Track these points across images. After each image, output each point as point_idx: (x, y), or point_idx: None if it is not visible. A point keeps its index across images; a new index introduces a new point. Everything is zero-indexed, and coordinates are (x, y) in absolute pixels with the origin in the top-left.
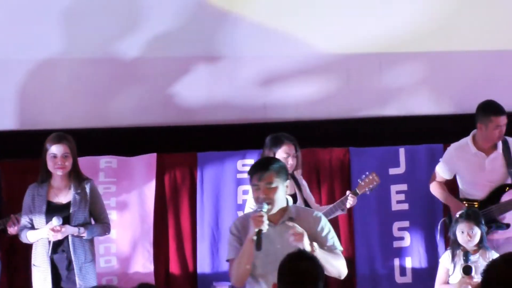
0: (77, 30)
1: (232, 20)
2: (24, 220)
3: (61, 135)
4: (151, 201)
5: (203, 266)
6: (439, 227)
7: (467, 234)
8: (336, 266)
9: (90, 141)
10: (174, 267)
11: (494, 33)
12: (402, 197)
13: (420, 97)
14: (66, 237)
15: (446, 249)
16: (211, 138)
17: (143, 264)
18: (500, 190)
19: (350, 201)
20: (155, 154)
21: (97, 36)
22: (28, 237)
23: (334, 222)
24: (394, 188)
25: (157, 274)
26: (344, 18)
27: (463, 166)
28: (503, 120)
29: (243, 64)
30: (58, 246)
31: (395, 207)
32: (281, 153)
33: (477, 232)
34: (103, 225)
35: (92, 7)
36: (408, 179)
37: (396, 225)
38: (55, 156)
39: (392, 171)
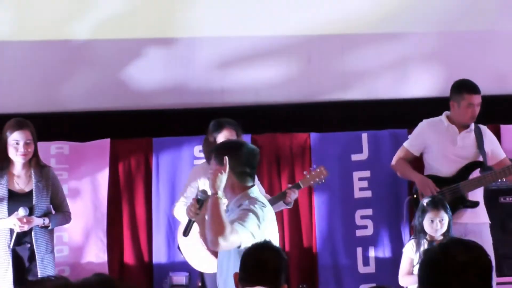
0: (27, 12)
1: (187, 0)
2: None
3: (22, 120)
4: (105, 189)
5: (159, 256)
6: (405, 207)
7: (438, 222)
8: (217, 224)
9: (40, 126)
10: (128, 257)
11: (459, 14)
12: (365, 184)
13: (383, 81)
14: (31, 228)
15: (410, 237)
16: (167, 123)
17: (96, 254)
18: (469, 168)
19: (292, 195)
20: (108, 140)
21: (48, 18)
22: None
23: (294, 210)
24: (356, 174)
25: (111, 264)
26: None
27: (434, 139)
28: (476, 99)
29: (200, 46)
30: (22, 237)
31: (357, 194)
32: (221, 138)
33: (447, 219)
34: (64, 214)
35: None
36: (371, 166)
37: (359, 213)
38: (17, 143)
39: (355, 157)
